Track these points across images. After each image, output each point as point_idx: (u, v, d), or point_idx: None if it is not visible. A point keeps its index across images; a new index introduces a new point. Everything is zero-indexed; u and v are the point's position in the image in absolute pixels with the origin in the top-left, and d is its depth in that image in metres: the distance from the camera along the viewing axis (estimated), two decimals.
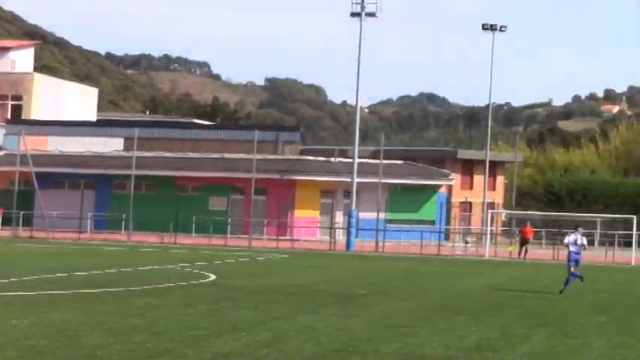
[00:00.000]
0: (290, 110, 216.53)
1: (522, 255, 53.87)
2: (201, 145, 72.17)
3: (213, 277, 31.16)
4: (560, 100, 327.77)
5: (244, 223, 63.93)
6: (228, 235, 59.13)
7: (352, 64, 58.44)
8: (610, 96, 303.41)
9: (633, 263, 51.04)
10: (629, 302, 27.22)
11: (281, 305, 23.02)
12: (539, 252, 58.04)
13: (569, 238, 29.91)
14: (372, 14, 58.22)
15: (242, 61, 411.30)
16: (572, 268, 29.35)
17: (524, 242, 54.74)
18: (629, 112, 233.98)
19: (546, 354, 16.36)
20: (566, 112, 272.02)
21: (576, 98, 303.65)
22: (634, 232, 54.62)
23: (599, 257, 54.01)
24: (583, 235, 29.86)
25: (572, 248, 29.32)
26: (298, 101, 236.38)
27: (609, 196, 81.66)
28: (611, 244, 58.16)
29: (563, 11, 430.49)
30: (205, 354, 14.97)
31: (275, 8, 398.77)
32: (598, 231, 60.91)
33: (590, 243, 63.87)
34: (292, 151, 73.27)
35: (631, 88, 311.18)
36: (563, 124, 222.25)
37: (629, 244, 55.32)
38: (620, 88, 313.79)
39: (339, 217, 67.00)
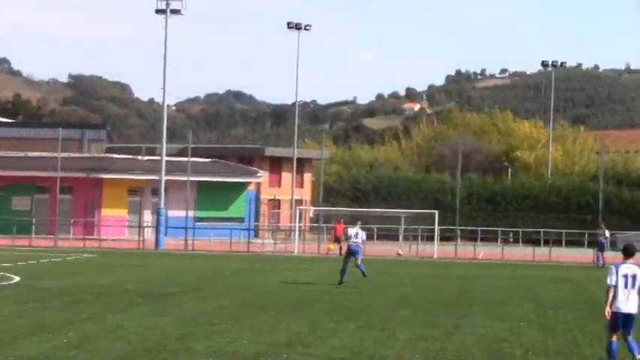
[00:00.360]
0: (95, 108, 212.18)
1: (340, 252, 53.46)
2: (3, 144, 69.90)
3: (17, 278, 30.30)
4: (365, 98, 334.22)
5: (50, 222, 62.34)
6: (33, 236, 57.56)
7: (158, 61, 57.89)
8: (411, 95, 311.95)
9: (436, 257, 52.76)
10: (431, 295, 28.13)
11: (89, 305, 22.65)
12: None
13: (350, 231, 32.06)
14: (176, 11, 57.82)
15: (44, 57, 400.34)
16: (358, 261, 31.08)
17: (337, 239, 55.07)
18: (429, 111, 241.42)
19: (354, 347, 16.74)
20: (371, 110, 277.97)
21: (380, 97, 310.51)
22: (436, 226, 56.41)
23: (404, 252, 55.48)
24: (362, 229, 32.16)
25: (351, 241, 31.35)
26: (104, 99, 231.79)
27: (412, 191, 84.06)
28: (415, 238, 59.85)
29: (367, 12, 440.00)
30: (10, 358, 14.58)
31: (79, 3, 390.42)
32: (402, 226, 62.52)
33: (385, 238, 65.85)
34: (98, 149, 71.96)
35: (431, 87, 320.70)
36: (368, 122, 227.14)
37: (431, 239, 57.10)
38: (421, 87, 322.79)
39: (148, 216, 66.33)
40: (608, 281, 14.67)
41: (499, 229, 76.06)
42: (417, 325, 19.99)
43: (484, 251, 57.84)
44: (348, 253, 31.50)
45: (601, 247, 48.41)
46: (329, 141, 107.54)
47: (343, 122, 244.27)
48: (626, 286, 14.53)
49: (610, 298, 14.64)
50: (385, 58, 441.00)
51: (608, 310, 14.72)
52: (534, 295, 29.34)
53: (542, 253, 56.10)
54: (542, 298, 28.19)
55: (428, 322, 20.79)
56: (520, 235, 75.41)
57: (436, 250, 54.11)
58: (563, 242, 73.30)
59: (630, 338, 14.72)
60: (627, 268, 14.66)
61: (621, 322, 14.65)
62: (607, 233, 49.72)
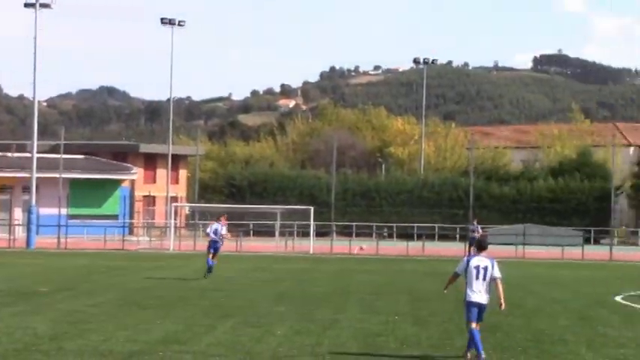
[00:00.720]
0: None
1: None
2: None
3: None
4: (240, 94, 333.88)
5: None
6: None
7: (28, 56, 56.65)
8: (286, 91, 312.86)
9: (312, 252, 53.08)
10: (308, 291, 28.29)
11: None
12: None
13: (211, 228, 32.98)
14: (46, 5, 56.59)
15: None
16: (210, 256, 32.08)
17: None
18: (304, 107, 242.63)
19: (231, 344, 16.73)
20: (246, 107, 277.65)
21: (254, 93, 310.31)
22: (312, 222, 56.77)
23: (280, 247, 55.70)
24: (225, 225, 33.42)
25: (212, 237, 32.35)
26: None
27: (288, 188, 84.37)
28: (291, 234, 60.10)
29: (242, 8, 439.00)
30: None
31: None
32: (278, 222, 62.70)
33: (261, 234, 65.96)
34: None
35: (305, 84, 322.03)
36: (243, 118, 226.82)
37: (307, 234, 57.42)
38: (296, 83, 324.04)
39: (19, 214, 64.87)
40: (456, 268, 15.47)
41: (374, 224, 77.05)
42: (293, 321, 20.08)
43: (359, 246, 58.45)
44: (209, 248, 32.59)
45: (472, 243, 49.57)
46: (204, 137, 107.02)
47: (218, 118, 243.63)
48: (477, 278, 15.13)
49: (451, 283, 15.68)
50: (260, 55, 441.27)
51: (445, 292, 16.24)
52: (408, 288, 29.82)
53: (415, 247, 57.06)
54: (415, 291, 28.67)
55: (304, 317, 20.91)
56: (394, 229, 76.47)
57: (312, 245, 54.44)
58: (436, 236, 74.72)
59: (478, 328, 15.32)
60: (479, 260, 15.24)
61: (477, 311, 15.28)
62: (479, 229, 51.06)
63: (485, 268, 15.17)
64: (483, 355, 15.07)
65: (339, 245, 56.97)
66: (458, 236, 75.10)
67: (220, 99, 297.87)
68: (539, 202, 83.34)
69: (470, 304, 15.25)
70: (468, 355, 15.41)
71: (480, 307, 15.25)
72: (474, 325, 15.24)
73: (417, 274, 36.57)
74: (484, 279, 15.17)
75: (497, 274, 15.30)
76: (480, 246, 15.63)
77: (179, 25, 76.01)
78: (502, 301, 15.42)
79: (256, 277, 33.48)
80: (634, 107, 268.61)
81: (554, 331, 19.33)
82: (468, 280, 15.23)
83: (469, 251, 48.72)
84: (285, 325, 19.28)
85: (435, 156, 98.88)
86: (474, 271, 15.16)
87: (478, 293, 15.17)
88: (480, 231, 50.86)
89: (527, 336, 18.35)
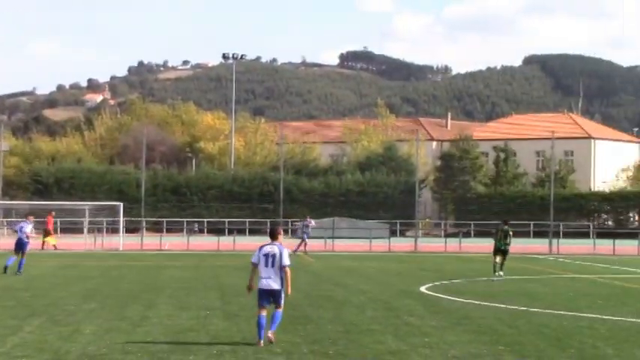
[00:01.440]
0: None
1: (43, 246, 51.41)
2: None
3: None
4: (45, 89, 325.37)
5: None
6: None
7: None
8: (93, 85, 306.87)
9: (121, 249, 52.38)
10: (118, 288, 27.92)
11: None
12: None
13: (18, 226, 33.52)
14: None
15: None
16: (16, 255, 32.24)
17: (47, 233, 52.89)
18: (111, 102, 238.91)
19: (38, 344, 16.34)
20: (51, 101, 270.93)
21: (60, 87, 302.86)
22: (121, 218, 56.02)
23: (89, 244, 54.69)
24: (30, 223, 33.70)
25: (20, 235, 32.81)
26: None
27: (96, 184, 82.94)
28: (100, 231, 59.08)
29: (44, 1, 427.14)
30: None
31: None
32: (87, 219, 61.49)
33: (69, 231, 64.57)
34: None
35: (113, 78, 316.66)
36: (48, 113, 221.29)
37: (117, 231, 56.60)
38: (103, 78, 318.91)
39: None
40: (252, 259, 16.22)
41: (184, 219, 76.72)
42: (103, 319, 19.80)
43: (170, 242, 58.09)
44: (17, 246, 32.62)
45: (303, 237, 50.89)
46: (8, 133, 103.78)
47: (22, 113, 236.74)
48: (267, 265, 15.92)
49: (252, 274, 16.31)
50: (66, 48, 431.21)
51: (251, 285, 16.41)
52: (219, 283, 29.88)
53: (226, 242, 57.14)
54: (226, 286, 28.77)
55: (114, 314, 20.65)
56: (205, 225, 76.40)
57: (122, 242, 53.73)
58: (247, 231, 75.11)
59: (278, 310, 16.09)
60: (269, 248, 16.02)
61: (269, 297, 16.00)
62: (313, 223, 52.44)
63: (274, 256, 15.90)
64: (261, 343, 15.80)
65: (150, 241, 56.44)
66: (268, 231, 75.70)
67: (24, 93, 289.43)
68: (348, 195, 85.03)
69: (260, 291, 16.00)
70: (261, 342, 15.91)
71: (272, 293, 15.96)
72: (263, 312, 16.02)
73: (228, 269, 36.68)
74: (272, 266, 15.88)
75: (286, 261, 16.00)
76: (273, 234, 16.36)
77: None
78: (288, 287, 16.09)
79: (64, 274, 32.78)
80: (436, 103, 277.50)
81: (362, 321, 19.80)
82: (260, 267, 16.02)
83: (302, 244, 50.08)
84: (95, 323, 18.99)
85: (245, 151, 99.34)
86: (264, 259, 15.93)
87: (268, 279, 15.91)
88: (314, 224, 53.38)
89: (337, 327, 18.72)
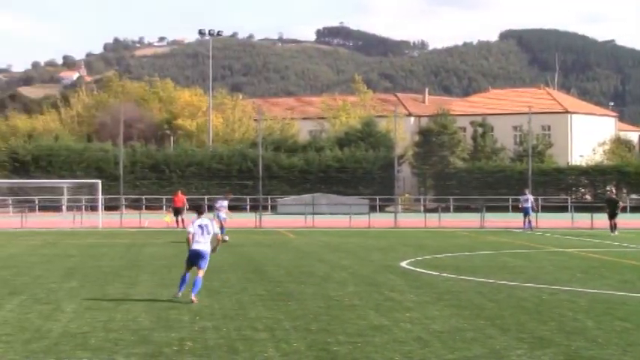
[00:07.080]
0: None
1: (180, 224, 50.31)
2: None
3: None
4: (20, 66, 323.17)
5: None
6: None
7: None
8: (69, 63, 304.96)
9: (101, 227, 52.21)
10: (99, 266, 27.85)
11: None
12: (6, 220, 57.13)
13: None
14: None
15: None
16: None
17: (176, 211, 52.12)
18: (88, 79, 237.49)
19: (18, 322, 16.28)
20: (27, 79, 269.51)
21: (36, 65, 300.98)
22: (99, 196, 55.85)
23: (69, 222, 54.49)
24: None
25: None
26: None
27: (74, 161, 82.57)
28: (79, 209, 58.90)
29: None
30: None
31: None
32: (65, 197, 61.28)
33: (47, 209, 64.37)
34: None
35: (89, 55, 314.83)
36: (24, 91, 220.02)
37: (96, 208, 56.42)
38: (79, 55, 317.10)
39: None
40: (190, 229, 19.36)
41: (163, 197, 76.54)
42: (84, 297, 19.76)
43: (149, 219, 57.96)
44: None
45: (527, 212, 50.91)
46: None
47: None
48: (202, 234, 19.31)
49: (191, 242, 19.25)
50: (41, 25, 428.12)
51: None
52: None
53: None
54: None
55: (96, 292, 20.61)
56: (185, 202, 76.22)
57: (101, 220, 53.58)
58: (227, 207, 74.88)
59: (200, 274, 19.18)
60: (201, 221, 19.46)
61: (197, 258, 19.23)
62: (531, 198, 52.21)
63: (206, 226, 19.40)
64: (179, 295, 19.18)
65: (129, 219, 56.29)
66: (248, 207, 75.69)
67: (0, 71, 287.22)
68: (327, 172, 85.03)
69: (191, 252, 19.27)
70: (179, 294, 19.22)
71: (200, 254, 19.23)
72: (189, 272, 19.44)
73: None
74: (206, 234, 19.32)
75: (215, 230, 19.61)
76: (199, 211, 19.84)
77: None
78: (216, 248, 19.74)
79: (44, 253, 32.67)
80: (413, 78, 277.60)
81: (343, 297, 19.85)
82: (195, 236, 19.26)
83: (524, 222, 50.65)
84: (76, 301, 18.95)
85: (223, 127, 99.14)
86: (199, 229, 19.32)
87: (199, 243, 19.25)
88: (531, 199, 52.28)
89: (318, 303, 18.76)
